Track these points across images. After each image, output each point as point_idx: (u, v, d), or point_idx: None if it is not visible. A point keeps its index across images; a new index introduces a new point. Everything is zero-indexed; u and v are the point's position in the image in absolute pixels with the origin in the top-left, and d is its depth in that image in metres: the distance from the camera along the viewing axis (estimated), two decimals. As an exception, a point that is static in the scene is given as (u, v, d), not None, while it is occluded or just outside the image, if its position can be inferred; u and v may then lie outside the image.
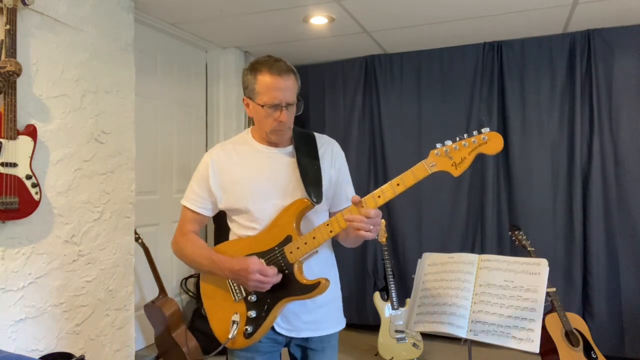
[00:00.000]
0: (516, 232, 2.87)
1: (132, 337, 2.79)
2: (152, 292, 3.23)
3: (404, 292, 3.66)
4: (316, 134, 1.64)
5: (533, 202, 3.56)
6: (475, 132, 1.40)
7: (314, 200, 1.49)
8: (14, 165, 2.07)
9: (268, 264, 1.47)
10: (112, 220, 2.65)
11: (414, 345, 3.24)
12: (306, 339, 1.58)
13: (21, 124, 2.14)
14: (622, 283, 3.32)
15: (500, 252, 3.60)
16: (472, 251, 3.70)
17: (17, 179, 2.08)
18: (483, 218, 3.70)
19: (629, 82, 3.33)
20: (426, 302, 1.93)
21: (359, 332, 3.97)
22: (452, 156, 1.40)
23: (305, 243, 1.45)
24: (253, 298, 1.49)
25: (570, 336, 2.60)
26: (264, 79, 1.46)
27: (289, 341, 1.59)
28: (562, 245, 3.49)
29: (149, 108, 3.38)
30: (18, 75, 2.04)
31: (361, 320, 3.99)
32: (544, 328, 2.52)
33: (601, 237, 3.37)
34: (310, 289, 1.45)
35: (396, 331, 3.25)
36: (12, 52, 2.04)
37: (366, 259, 3.98)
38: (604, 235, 3.36)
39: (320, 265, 1.55)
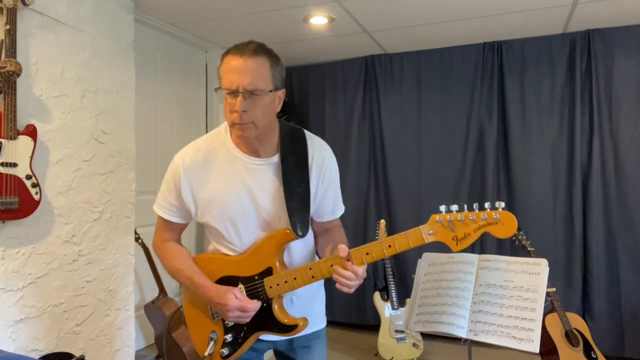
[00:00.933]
0: (516, 232, 2.87)
1: (132, 337, 2.78)
2: (152, 292, 3.23)
3: (404, 292, 3.66)
4: (307, 135, 1.46)
5: (533, 202, 3.56)
6: (487, 206, 1.24)
7: (299, 233, 1.36)
8: (14, 165, 2.07)
9: (248, 292, 1.41)
10: (112, 220, 2.65)
11: (414, 345, 3.24)
12: (290, 340, 1.52)
13: (21, 124, 2.14)
14: (622, 283, 3.31)
15: (500, 252, 3.59)
16: (472, 251, 3.69)
17: (17, 179, 2.08)
18: (483, 218, 3.69)
19: (629, 82, 3.33)
20: (426, 302, 1.93)
21: (359, 332, 3.97)
22: (454, 228, 1.25)
23: (285, 282, 1.37)
24: (230, 323, 1.45)
25: (570, 336, 2.60)
26: (226, 60, 1.28)
27: (272, 344, 1.54)
28: (562, 245, 3.49)
29: (149, 108, 3.38)
30: (18, 75, 2.04)
31: (361, 320, 3.99)
32: (544, 328, 2.52)
33: (601, 237, 3.37)
34: (287, 329, 1.40)
35: (396, 331, 3.25)
36: (12, 52, 2.04)
37: (366, 259, 3.98)
38: (604, 235, 3.36)
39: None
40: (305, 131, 1.48)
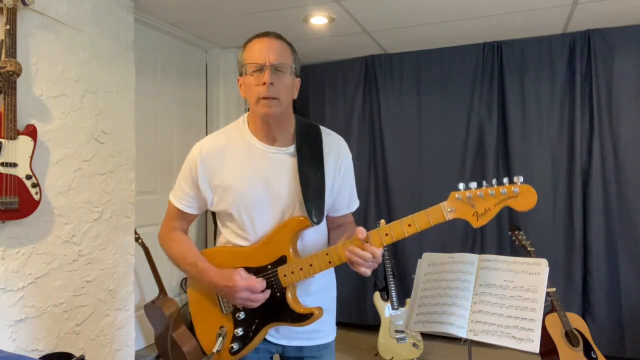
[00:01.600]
0: (516, 232, 2.87)
1: (132, 337, 2.79)
2: (152, 292, 3.23)
3: (404, 292, 3.66)
4: (322, 129, 1.48)
5: (533, 202, 3.55)
6: (505, 180, 1.26)
7: (314, 220, 1.36)
8: (14, 165, 2.07)
9: None
10: (112, 220, 2.65)
11: (414, 345, 3.24)
12: (300, 348, 1.48)
13: (21, 124, 2.14)
14: (622, 283, 3.31)
15: (500, 252, 3.60)
16: (472, 251, 3.70)
17: (17, 179, 2.08)
18: (483, 218, 3.69)
19: (629, 82, 3.33)
20: (426, 302, 1.93)
21: (359, 332, 3.97)
22: (474, 204, 1.24)
23: (301, 269, 1.35)
24: (241, 315, 1.41)
25: (570, 336, 2.60)
26: (249, 44, 1.37)
27: (281, 349, 1.50)
28: (562, 245, 3.49)
29: (149, 108, 3.38)
30: (18, 75, 2.04)
31: (361, 320, 3.99)
32: (544, 328, 2.52)
33: (601, 237, 3.36)
34: (302, 318, 1.36)
35: (396, 331, 3.25)
36: (12, 52, 2.04)
37: (366, 259, 3.98)
38: (604, 235, 3.36)
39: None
40: (320, 126, 1.50)
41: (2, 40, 2.04)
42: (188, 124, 3.80)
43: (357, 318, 4.01)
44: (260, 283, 1.35)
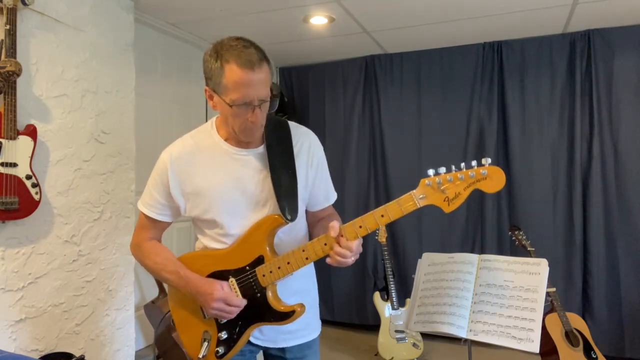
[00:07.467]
0: (516, 232, 2.87)
1: (132, 337, 2.79)
2: (152, 292, 3.23)
3: (404, 292, 3.66)
4: (291, 124, 1.46)
5: (533, 202, 3.56)
6: (474, 163, 1.24)
7: (288, 217, 1.35)
8: (14, 165, 2.07)
9: (240, 284, 1.38)
10: (112, 220, 2.65)
11: (414, 345, 3.24)
12: (283, 349, 1.48)
13: (21, 124, 2.14)
14: (622, 283, 3.32)
15: (500, 252, 3.60)
16: (472, 251, 3.70)
17: (17, 179, 2.08)
18: (483, 218, 3.70)
19: (629, 82, 3.33)
20: (426, 302, 1.93)
21: (359, 332, 3.97)
22: (445, 189, 1.23)
23: (279, 268, 1.35)
24: (223, 319, 1.41)
25: (570, 336, 2.60)
26: (233, 73, 1.24)
27: (265, 349, 1.51)
28: (562, 245, 3.49)
29: (149, 108, 3.38)
30: (18, 75, 2.04)
31: (361, 320, 3.99)
32: (544, 328, 2.52)
33: (601, 237, 3.36)
34: (285, 316, 1.36)
35: (396, 331, 3.25)
36: (12, 52, 2.04)
37: (366, 259, 3.99)
38: (604, 235, 3.36)
39: (298, 272, 1.42)
40: (289, 122, 1.48)
41: (2, 40, 2.04)
42: (188, 124, 3.80)
43: (357, 318, 4.01)
44: (238, 300, 1.35)
